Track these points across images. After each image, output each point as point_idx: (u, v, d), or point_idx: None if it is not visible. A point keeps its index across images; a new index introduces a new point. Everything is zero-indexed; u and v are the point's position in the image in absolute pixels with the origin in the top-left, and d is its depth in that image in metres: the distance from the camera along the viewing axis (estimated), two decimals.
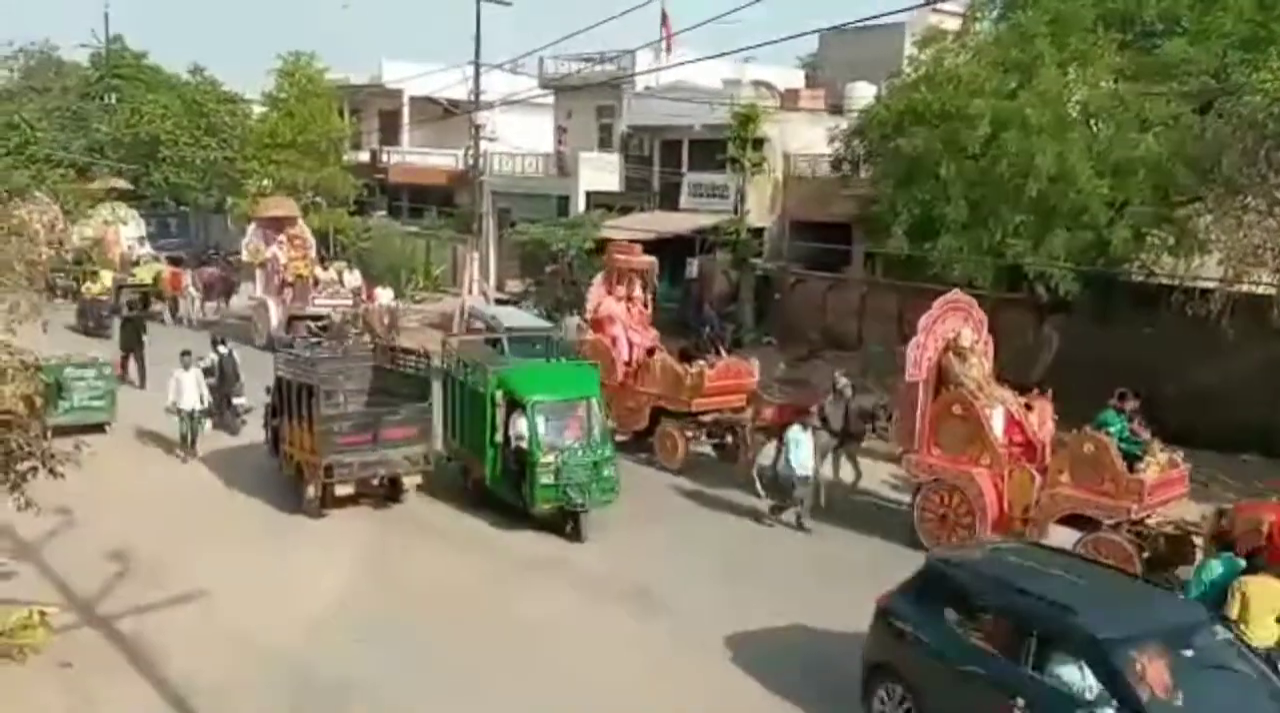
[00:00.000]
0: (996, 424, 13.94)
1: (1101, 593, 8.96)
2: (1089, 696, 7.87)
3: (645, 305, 19.43)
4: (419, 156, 42.00)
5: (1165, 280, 18.31)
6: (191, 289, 30.19)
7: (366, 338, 22.92)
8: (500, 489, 14.98)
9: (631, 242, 21.76)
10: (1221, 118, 16.37)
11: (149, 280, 30.72)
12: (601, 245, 29.55)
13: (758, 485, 16.11)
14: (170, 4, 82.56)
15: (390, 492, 15.64)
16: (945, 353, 14.15)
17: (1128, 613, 8.63)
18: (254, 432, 18.05)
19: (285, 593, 12.50)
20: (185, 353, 17.97)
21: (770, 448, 16.14)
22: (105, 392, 18.91)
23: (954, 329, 14.25)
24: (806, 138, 28.86)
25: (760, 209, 29.48)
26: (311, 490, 15.05)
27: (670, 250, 26.24)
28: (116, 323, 25.39)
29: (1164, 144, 17.75)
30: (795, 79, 35.55)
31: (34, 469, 10.28)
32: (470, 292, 30.11)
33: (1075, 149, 17.83)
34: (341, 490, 14.99)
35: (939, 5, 28.07)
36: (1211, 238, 16.93)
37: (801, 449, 14.82)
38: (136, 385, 21.61)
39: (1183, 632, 8.38)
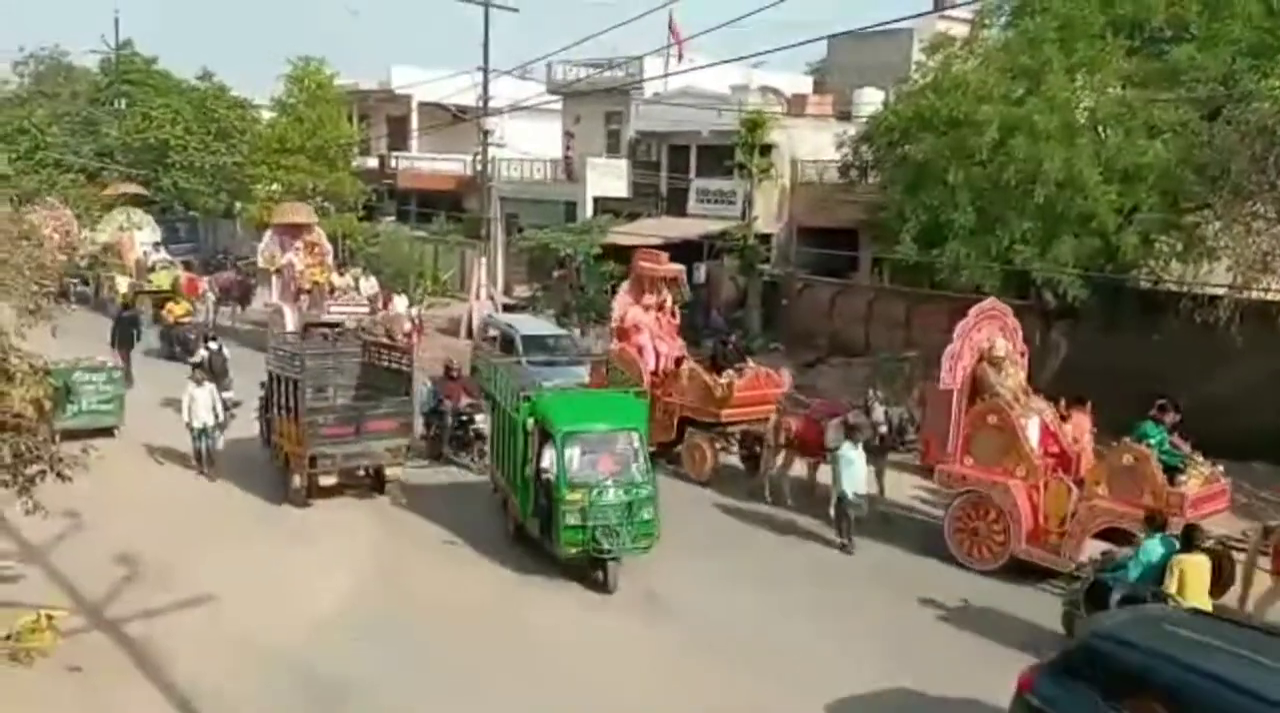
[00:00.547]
0: (1032, 435, 13.69)
1: None
2: None
3: (673, 314, 19.01)
4: (427, 162, 42.05)
5: (1173, 287, 18.24)
6: (209, 295, 30.10)
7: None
8: (533, 529, 13.56)
9: (654, 248, 21.05)
10: (1230, 124, 16.30)
11: (166, 286, 30.69)
12: (608, 251, 29.70)
13: (767, 493, 16.00)
14: (180, 9, 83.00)
15: (374, 483, 16.28)
16: (980, 362, 13.96)
17: None
18: (251, 426, 18.06)
19: (291, 594, 12.55)
20: (199, 367, 17.94)
21: (797, 462, 15.90)
22: (114, 396, 18.96)
23: (989, 338, 14.05)
24: (814, 144, 28.89)
25: (768, 215, 29.50)
26: (297, 480, 15.67)
27: (677, 256, 26.16)
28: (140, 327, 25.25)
29: (1172, 150, 17.70)
30: (803, 85, 35.56)
31: (42, 473, 10.31)
32: (478, 297, 30.17)
33: (1083, 155, 17.79)
34: (325, 481, 15.70)
35: (947, 11, 28.19)
36: (1220, 244, 16.87)
37: (855, 468, 14.24)
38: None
39: None
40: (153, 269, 32.30)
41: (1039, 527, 13.21)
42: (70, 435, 12.55)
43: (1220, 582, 12.25)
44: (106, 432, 17.97)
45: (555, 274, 31.63)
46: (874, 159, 22.19)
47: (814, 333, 26.49)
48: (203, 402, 16.94)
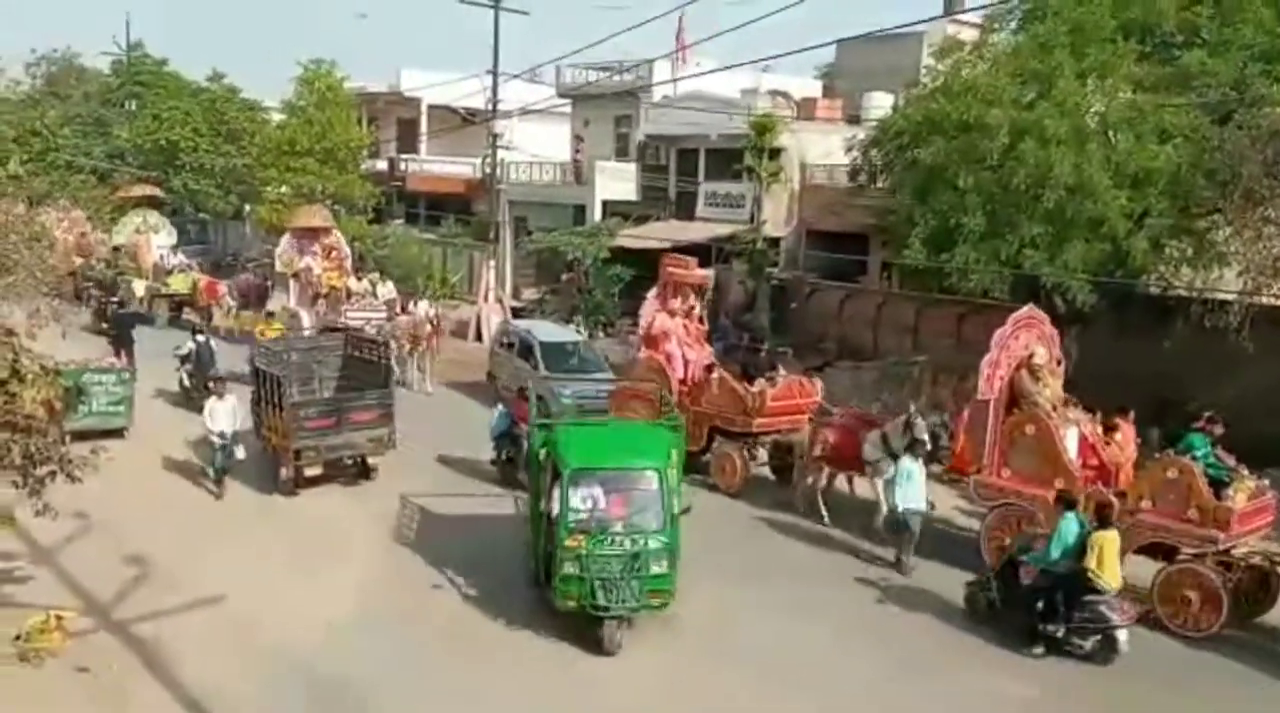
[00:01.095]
0: (1070, 446, 13.37)
1: None
2: None
3: (701, 321, 18.63)
4: (436, 165, 42.13)
5: (1184, 292, 18.19)
6: (228, 298, 29.48)
7: (408, 348, 23.50)
8: (540, 573, 12.24)
9: (679, 253, 20.54)
10: (1241, 129, 16.28)
11: (184, 290, 30.59)
12: (616, 254, 29.71)
13: (820, 509, 15.58)
14: (191, 11, 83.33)
15: (361, 471, 16.93)
16: (1018, 370, 13.70)
17: None
18: (245, 420, 17.82)
19: (295, 593, 12.54)
20: (218, 379, 17.73)
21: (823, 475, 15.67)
22: (124, 397, 18.95)
23: (1027, 346, 13.78)
24: (823, 148, 28.90)
25: (776, 219, 29.48)
26: (285, 472, 16.33)
27: None
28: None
29: (1183, 155, 17.66)
30: (812, 89, 35.57)
31: (53, 474, 10.34)
32: (486, 299, 30.18)
33: (1093, 160, 17.74)
34: (310, 471, 16.32)
35: (957, 15, 28.17)
36: (1230, 250, 16.83)
37: (913, 482, 13.71)
38: None
39: None
40: (170, 272, 31.96)
41: None
42: (80, 436, 12.59)
43: (1269, 596, 12.26)
44: (116, 433, 18.00)
45: (563, 277, 31.66)
46: (883, 163, 22.18)
47: (822, 337, 26.45)
48: (222, 414, 16.96)
